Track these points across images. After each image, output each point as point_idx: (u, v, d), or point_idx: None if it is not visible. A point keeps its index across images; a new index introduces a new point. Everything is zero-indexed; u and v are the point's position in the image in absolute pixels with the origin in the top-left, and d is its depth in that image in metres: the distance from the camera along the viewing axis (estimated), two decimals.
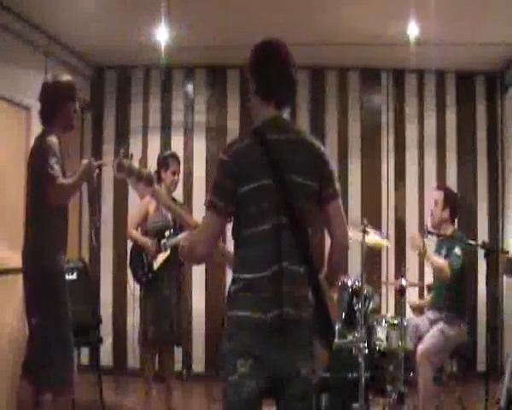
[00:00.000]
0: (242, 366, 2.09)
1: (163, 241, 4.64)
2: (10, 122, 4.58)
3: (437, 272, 4.46)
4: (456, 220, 4.71)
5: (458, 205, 4.69)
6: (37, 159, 3.34)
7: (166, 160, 4.72)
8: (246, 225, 2.16)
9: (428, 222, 4.68)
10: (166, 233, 4.66)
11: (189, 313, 5.02)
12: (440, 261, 4.40)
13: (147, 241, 4.66)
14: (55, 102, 3.44)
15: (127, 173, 2.34)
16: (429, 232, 4.57)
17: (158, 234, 4.67)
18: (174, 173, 4.70)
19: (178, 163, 4.79)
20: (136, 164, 2.37)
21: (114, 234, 6.19)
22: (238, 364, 2.10)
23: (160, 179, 4.61)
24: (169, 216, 4.70)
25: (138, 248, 4.73)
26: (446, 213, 4.54)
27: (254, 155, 2.16)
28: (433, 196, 4.66)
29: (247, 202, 2.14)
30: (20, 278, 4.62)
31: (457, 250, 4.40)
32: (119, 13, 4.87)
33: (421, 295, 5.66)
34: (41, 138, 3.41)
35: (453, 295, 4.42)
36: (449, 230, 4.55)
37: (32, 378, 3.37)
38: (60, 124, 3.47)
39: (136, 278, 4.78)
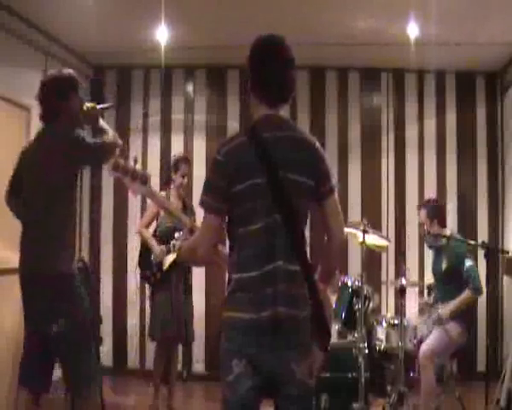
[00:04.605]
0: (237, 365, 2.08)
1: (172, 242, 4.68)
2: (10, 122, 4.58)
3: (470, 305, 4.44)
4: (447, 222, 4.76)
5: (442, 210, 4.80)
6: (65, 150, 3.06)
7: (177, 163, 4.84)
8: (240, 224, 2.14)
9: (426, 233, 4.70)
10: (176, 235, 4.69)
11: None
12: (465, 298, 4.35)
13: (154, 245, 4.71)
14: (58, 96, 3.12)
15: (122, 173, 2.32)
16: (432, 235, 4.60)
17: (168, 235, 4.70)
18: (183, 176, 4.82)
19: (189, 166, 4.95)
20: (131, 163, 2.36)
21: (114, 234, 6.18)
22: (233, 364, 2.08)
23: (169, 181, 4.82)
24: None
25: (147, 248, 4.77)
26: (435, 226, 4.60)
27: (248, 153, 2.13)
28: (420, 217, 4.70)
29: (241, 200, 2.12)
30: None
31: (468, 262, 4.41)
32: (119, 13, 4.87)
33: (421, 295, 5.66)
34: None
35: (455, 295, 4.41)
36: (444, 233, 4.62)
37: (70, 386, 3.32)
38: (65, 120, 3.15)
39: (145, 277, 4.80)
